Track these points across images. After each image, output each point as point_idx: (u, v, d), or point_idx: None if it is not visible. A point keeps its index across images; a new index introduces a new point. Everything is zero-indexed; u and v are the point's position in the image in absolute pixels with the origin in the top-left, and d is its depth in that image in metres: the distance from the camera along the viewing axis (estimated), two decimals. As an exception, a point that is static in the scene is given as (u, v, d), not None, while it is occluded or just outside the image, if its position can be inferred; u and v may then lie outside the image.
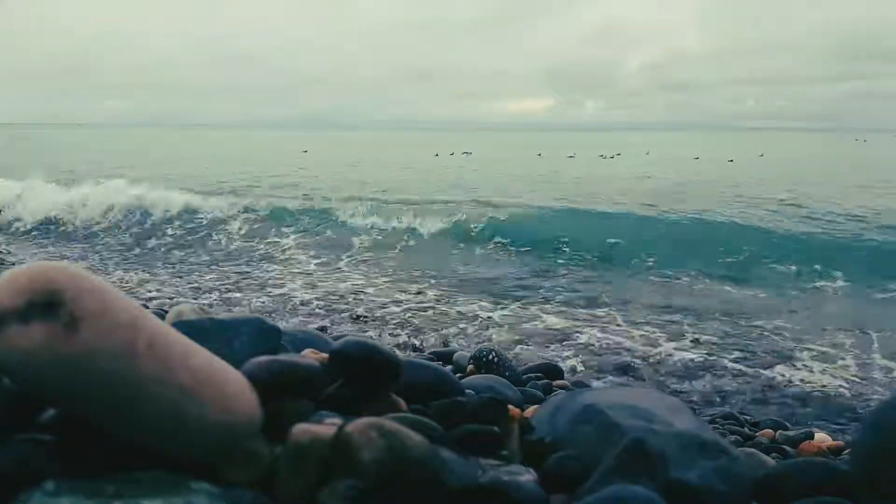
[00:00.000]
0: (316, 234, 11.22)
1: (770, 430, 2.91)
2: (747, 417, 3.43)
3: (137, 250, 10.63)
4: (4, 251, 9.76)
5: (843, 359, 5.31)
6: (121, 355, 0.77)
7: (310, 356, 1.28)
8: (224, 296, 7.34)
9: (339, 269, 9.11)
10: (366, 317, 6.42)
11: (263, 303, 7.00)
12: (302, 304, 6.99)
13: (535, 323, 6.38)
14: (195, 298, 7.07)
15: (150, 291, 7.35)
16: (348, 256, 9.82)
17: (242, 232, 11.48)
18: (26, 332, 0.74)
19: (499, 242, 10.36)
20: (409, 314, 6.60)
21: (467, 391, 1.49)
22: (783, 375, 4.91)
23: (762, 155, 37.57)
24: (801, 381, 4.80)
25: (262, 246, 10.68)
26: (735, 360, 5.25)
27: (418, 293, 7.54)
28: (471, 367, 2.62)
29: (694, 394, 4.51)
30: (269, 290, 7.66)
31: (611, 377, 4.88)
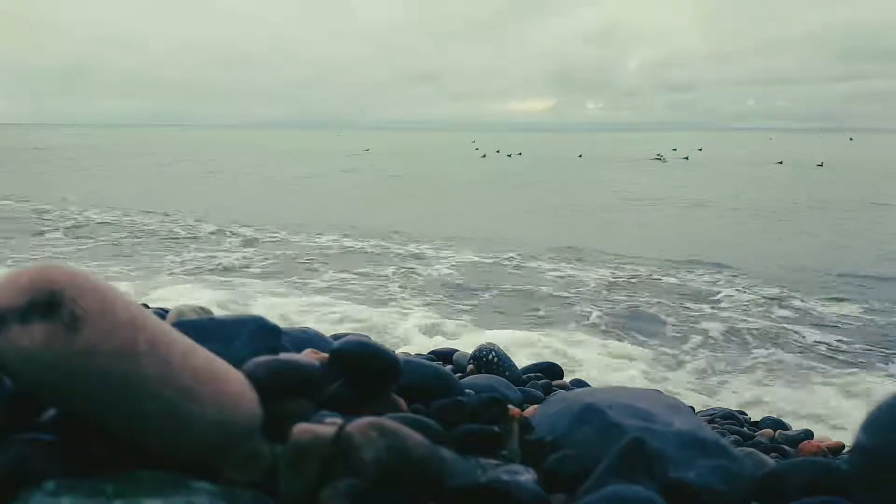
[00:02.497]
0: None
1: (770, 430, 2.91)
2: (747, 417, 3.43)
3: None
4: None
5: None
6: (121, 355, 0.77)
7: (310, 356, 1.28)
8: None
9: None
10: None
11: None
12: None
13: None
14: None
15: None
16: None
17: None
18: (27, 332, 0.74)
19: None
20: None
21: (467, 391, 1.49)
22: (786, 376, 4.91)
23: (821, 164, 36.60)
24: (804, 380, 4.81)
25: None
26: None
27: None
28: (471, 366, 2.62)
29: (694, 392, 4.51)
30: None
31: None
